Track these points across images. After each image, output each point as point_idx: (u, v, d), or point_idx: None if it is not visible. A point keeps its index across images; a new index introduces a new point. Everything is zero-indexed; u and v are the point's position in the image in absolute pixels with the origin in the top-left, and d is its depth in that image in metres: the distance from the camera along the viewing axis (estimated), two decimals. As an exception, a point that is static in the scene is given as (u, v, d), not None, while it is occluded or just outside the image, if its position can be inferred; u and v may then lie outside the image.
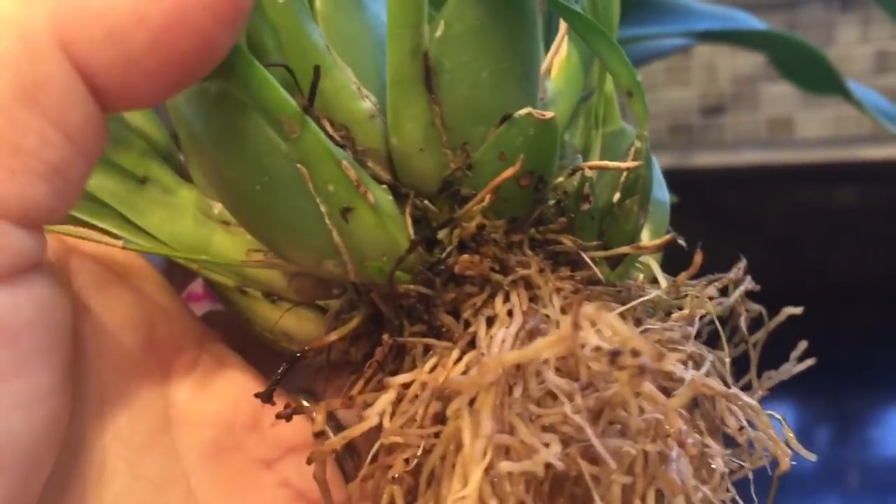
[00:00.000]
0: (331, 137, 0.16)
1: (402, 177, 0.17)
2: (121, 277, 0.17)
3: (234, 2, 0.13)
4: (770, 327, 0.19)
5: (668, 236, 0.17)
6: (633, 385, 0.14)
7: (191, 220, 0.18)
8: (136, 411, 0.16)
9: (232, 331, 0.20)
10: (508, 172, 0.16)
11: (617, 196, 0.17)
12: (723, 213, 0.75)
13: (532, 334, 0.15)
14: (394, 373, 0.16)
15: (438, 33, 0.16)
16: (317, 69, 0.16)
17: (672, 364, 0.15)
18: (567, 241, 0.17)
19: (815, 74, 0.41)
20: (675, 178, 0.82)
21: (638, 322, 0.17)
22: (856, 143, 0.70)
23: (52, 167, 0.13)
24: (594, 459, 0.14)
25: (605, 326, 0.14)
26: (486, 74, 0.16)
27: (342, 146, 0.16)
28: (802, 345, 0.20)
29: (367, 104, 0.16)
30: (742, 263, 0.19)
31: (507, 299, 0.16)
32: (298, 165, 0.15)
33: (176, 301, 0.18)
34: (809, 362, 0.20)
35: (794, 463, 0.18)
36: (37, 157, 0.13)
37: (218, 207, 0.18)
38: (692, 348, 0.17)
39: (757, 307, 0.19)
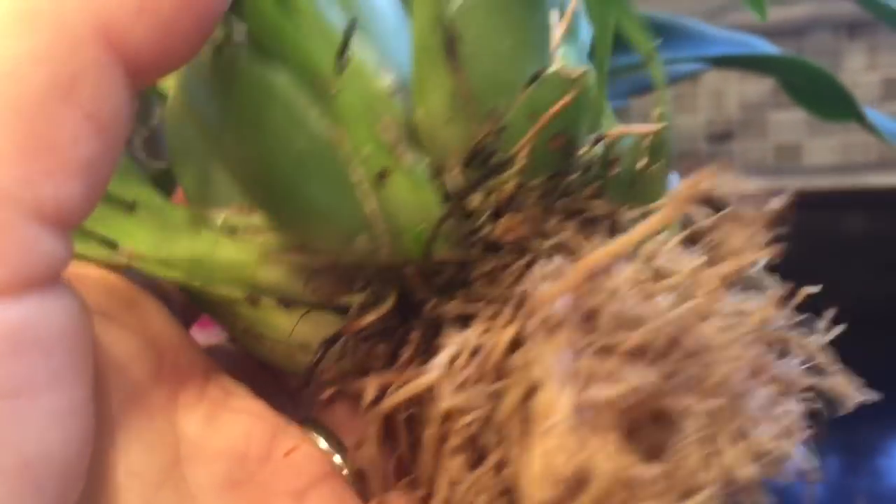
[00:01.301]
0: None
1: (430, 150, 0.16)
2: (125, 307, 0.17)
3: None
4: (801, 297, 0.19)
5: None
6: (714, 297, 0.14)
7: (187, 238, 0.18)
8: (148, 445, 0.16)
9: (235, 363, 0.19)
10: (541, 123, 0.15)
11: (644, 161, 0.17)
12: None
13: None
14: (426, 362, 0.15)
15: (459, 2, 0.16)
16: (353, 22, 0.15)
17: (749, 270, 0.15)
18: (600, 207, 0.16)
19: (828, 99, 0.41)
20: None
21: None
22: (863, 170, 0.70)
23: (86, 163, 0.12)
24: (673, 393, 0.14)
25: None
26: (506, 45, 0.16)
27: None
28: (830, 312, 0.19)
29: (388, 81, 0.16)
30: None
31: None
32: (331, 128, 0.15)
33: (180, 332, 0.18)
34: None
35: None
36: (71, 154, 0.12)
37: (222, 216, 0.18)
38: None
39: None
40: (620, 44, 0.44)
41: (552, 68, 0.16)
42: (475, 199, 0.16)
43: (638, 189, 0.17)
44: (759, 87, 0.70)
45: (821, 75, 0.40)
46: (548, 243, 0.16)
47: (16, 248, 0.12)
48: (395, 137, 0.15)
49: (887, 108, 0.68)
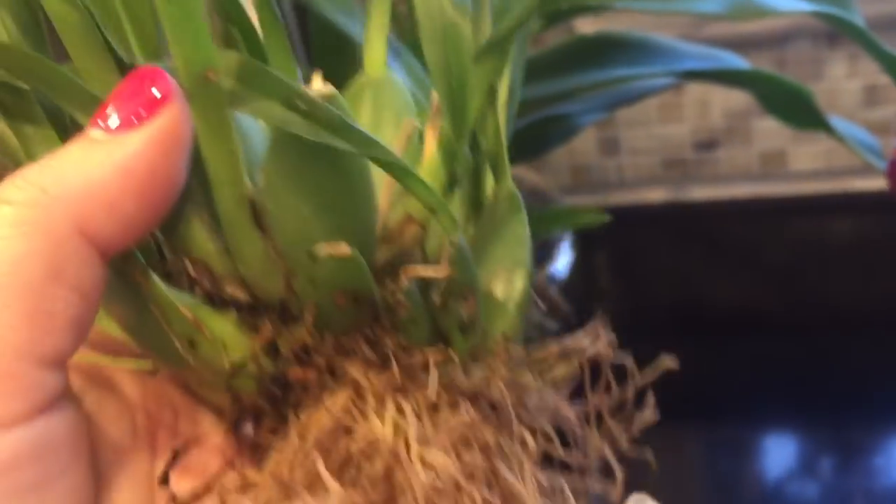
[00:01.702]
0: (187, 274, 0.20)
1: (257, 296, 0.20)
2: (100, 382, 0.21)
3: (176, 135, 0.17)
4: (644, 379, 0.22)
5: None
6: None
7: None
8: (131, 493, 0.20)
9: None
10: (317, 297, 0.19)
11: (438, 298, 0.20)
12: (718, 246, 0.75)
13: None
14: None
15: (261, 184, 0.18)
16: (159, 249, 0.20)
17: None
18: (388, 342, 0.19)
19: (798, 110, 0.42)
20: (670, 213, 0.83)
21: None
22: (848, 175, 0.71)
23: (74, 321, 0.17)
24: None
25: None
26: (307, 210, 0.18)
27: (196, 281, 0.20)
28: (667, 363, 0.21)
29: (219, 242, 0.20)
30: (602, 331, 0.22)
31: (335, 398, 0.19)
32: (152, 307, 0.19)
33: (145, 386, 0.21)
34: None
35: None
36: (64, 317, 0.17)
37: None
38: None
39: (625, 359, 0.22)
40: (599, 59, 0.45)
41: (320, 249, 0.18)
42: (282, 345, 0.19)
43: (437, 320, 0.20)
44: (742, 95, 0.71)
45: (788, 87, 0.41)
46: (339, 381, 0.19)
47: (29, 388, 0.16)
48: (195, 319, 0.19)
49: (869, 115, 0.69)
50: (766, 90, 0.44)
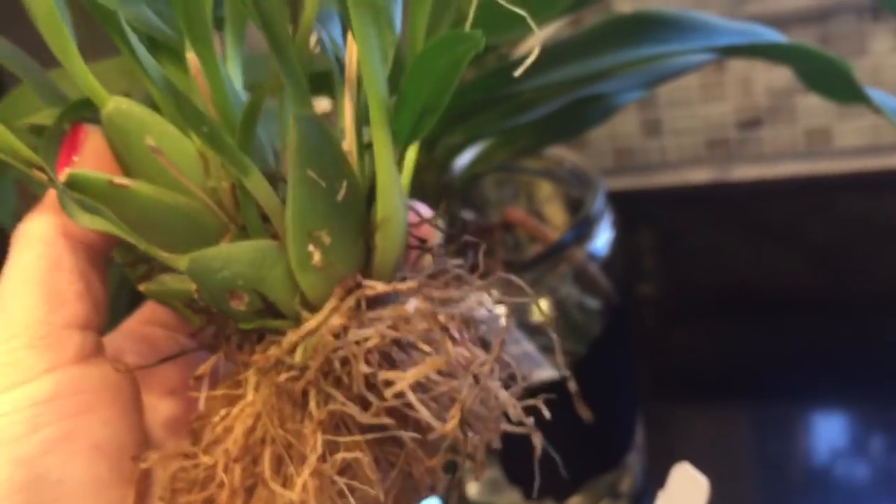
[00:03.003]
0: None
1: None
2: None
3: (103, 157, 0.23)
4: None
5: None
6: None
7: None
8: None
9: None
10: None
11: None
12: (763, 226, 0.75)
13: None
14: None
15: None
16: None
17: None
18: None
19: (837, 84, 0.42)
20: (714, 193, 0.82)
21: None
22: (895, 151, 0.70)
23: (81, 293, 0.23)
24: None
25: None
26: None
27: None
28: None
29: None
30: None
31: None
32: None
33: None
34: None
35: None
36: (71, 291, 0.23)
37: None
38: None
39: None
40: (637, 37, 0.46)
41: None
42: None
43: None
44: (785, 72, 0.70)
45: (826, 61, 0.41)
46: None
47: (59, 343, 0.22)
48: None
49: (915, 89, 0.68)
50: (804, 65, 0.44)
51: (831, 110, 0.71)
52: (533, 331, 0.48)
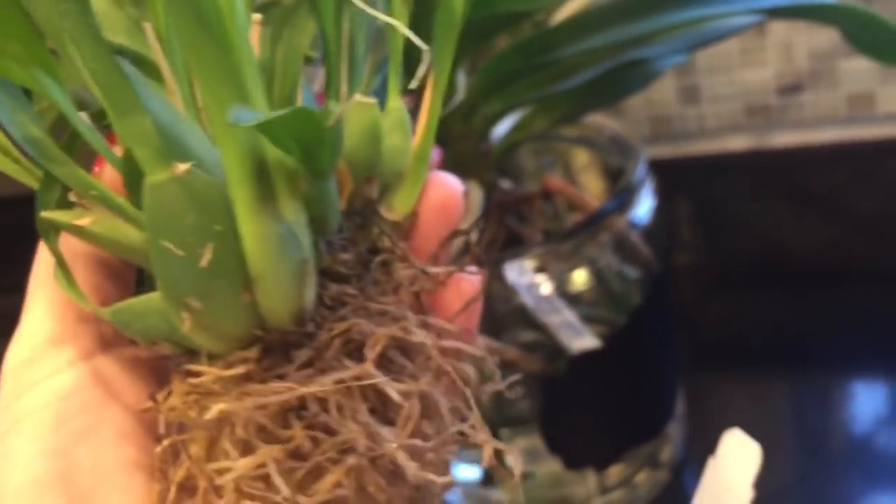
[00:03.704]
0: None
1: None
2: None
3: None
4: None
5: None
6: None
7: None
8: None
9: None
10: None
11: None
12: (804, 193, 0.74)
13: None
14: None
15: None
16: None
17: None
18: None
19: (885, 46, 0.41)
20: (753, 161, 0.81)
21: None
22: (940, 116, 0.68)
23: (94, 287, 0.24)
24: None
25: None
26: None
27: None
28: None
29: None
30: None
31: None
32: None
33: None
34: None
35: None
36: (92, 293, 0.24)
37: None
38: None
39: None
40: (677, 1, 0.45)
41: None
42: None
43: None
44: (827, 36, 0.69)
45: (877, 22, 0.40)
46: None
47: (76, 338, 0.23)
48: None
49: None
50: (851, 25, 0.43)
51: (874, 75, 0.69)
52: (572, 300, 0.47)
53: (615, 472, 0.52)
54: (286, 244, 0.21)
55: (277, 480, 0.20)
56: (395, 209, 0.26)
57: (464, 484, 0.52)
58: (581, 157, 0.59)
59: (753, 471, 0.30)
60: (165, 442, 0.22)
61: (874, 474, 0.55)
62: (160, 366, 0.24)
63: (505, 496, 0.53)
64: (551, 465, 0.51)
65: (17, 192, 0.28)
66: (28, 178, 0.24)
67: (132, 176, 0.21)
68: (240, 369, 0.22)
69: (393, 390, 0.22)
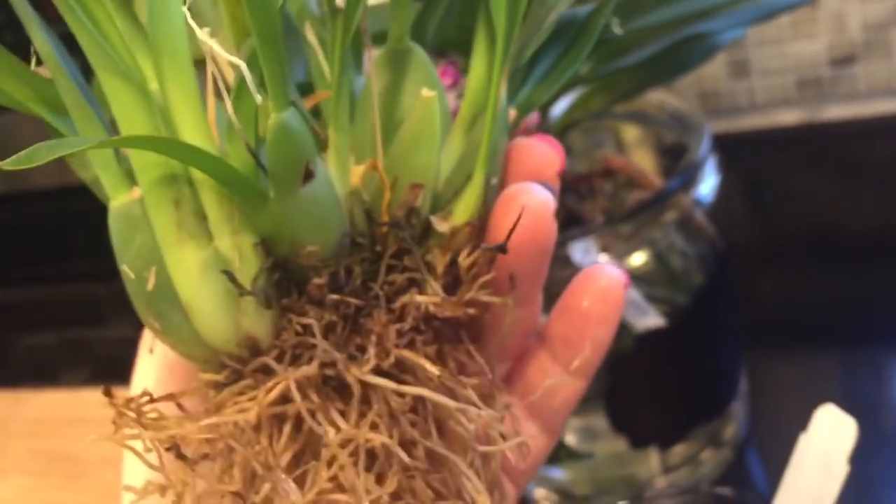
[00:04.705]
0: None
1: None
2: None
3: None
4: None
5: None
6: None
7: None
8: None
9: None
10: None
11: None
12: (857, 167, 0.73)
13: None
14: None
15: None
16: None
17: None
18: None
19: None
20: (805, 135, 0.80)
21: None
22: None
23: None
24: None
25: None
26: None
27: None
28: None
29: None
30: None
31: None
32: None
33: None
34: None
35: None
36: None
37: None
38: None
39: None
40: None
41: None
42: None
43: None
44: (882, 5, 0.68)
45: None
46: None
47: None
48: None
49: None
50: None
51: (931, 44, 0.68)
52: (633, 279, 0.47)
53: (678, 451, 0.52)
54: (209, 271, 0.21)
55: None
56: (450, 218, 0.23)
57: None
58: (631, 134, 0.58)
59: (849, 446, 0.29)
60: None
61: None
62: None
63: (567, 475, 0.53)
64: (614, 445, 0.51)
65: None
66: None
67: None
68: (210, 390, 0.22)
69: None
